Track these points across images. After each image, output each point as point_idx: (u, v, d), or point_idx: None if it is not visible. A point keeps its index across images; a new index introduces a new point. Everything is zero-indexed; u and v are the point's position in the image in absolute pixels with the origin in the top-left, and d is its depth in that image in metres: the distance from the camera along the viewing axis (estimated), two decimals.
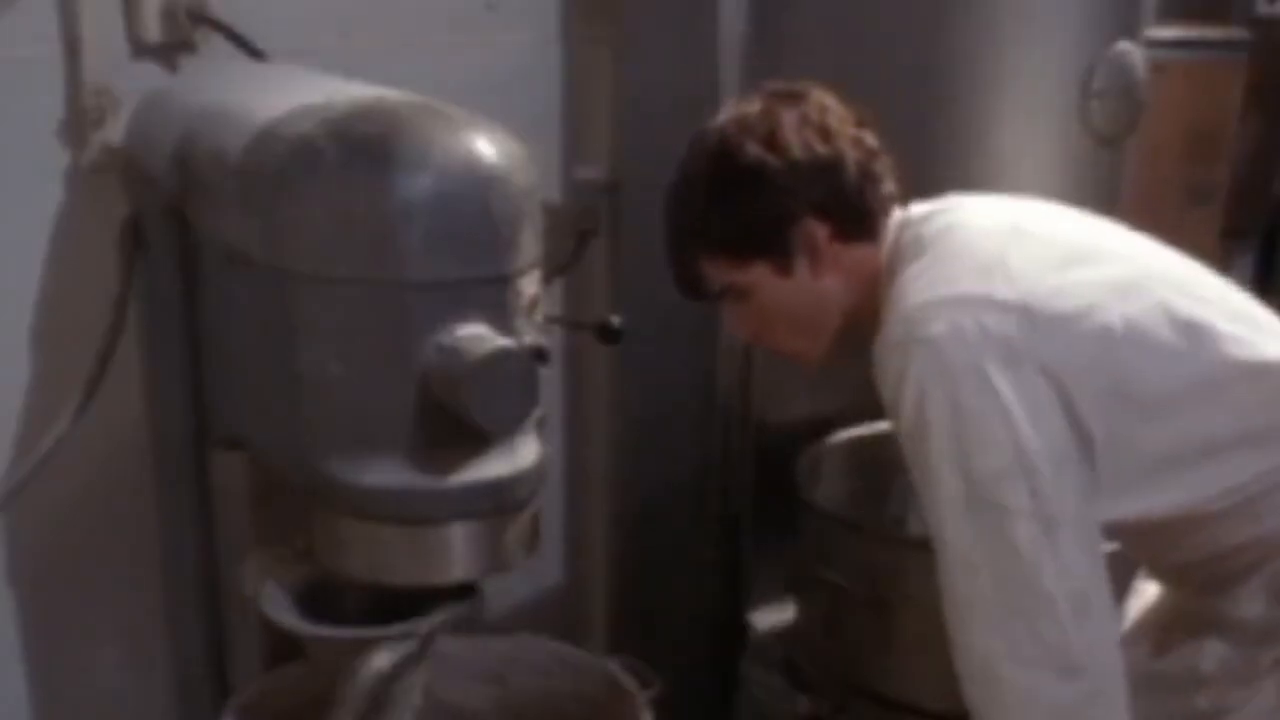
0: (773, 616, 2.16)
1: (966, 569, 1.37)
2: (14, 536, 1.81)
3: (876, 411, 2.15)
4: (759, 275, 1.54)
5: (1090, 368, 1.37)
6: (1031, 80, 2.13)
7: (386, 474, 1.26)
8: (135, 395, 1.66)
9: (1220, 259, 3.06)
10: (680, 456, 2.20)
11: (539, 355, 1.26)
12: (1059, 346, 1.36)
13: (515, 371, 1.22)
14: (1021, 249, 1.45)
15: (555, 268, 1.89)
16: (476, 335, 1.23)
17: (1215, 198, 3.38)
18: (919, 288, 1.43)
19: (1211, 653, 1.50)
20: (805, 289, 1.54)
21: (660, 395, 2.18)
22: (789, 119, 1.52)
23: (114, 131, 1.72)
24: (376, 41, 1.92)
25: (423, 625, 1.33)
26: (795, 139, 1.51)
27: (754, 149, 1.50)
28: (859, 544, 1.85)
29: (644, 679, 1.60)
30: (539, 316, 1.33)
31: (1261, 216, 3.68)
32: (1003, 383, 1.33)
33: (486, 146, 1.26)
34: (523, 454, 1.30)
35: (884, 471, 2.03)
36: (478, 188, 1.24)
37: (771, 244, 1.52)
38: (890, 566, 1.79)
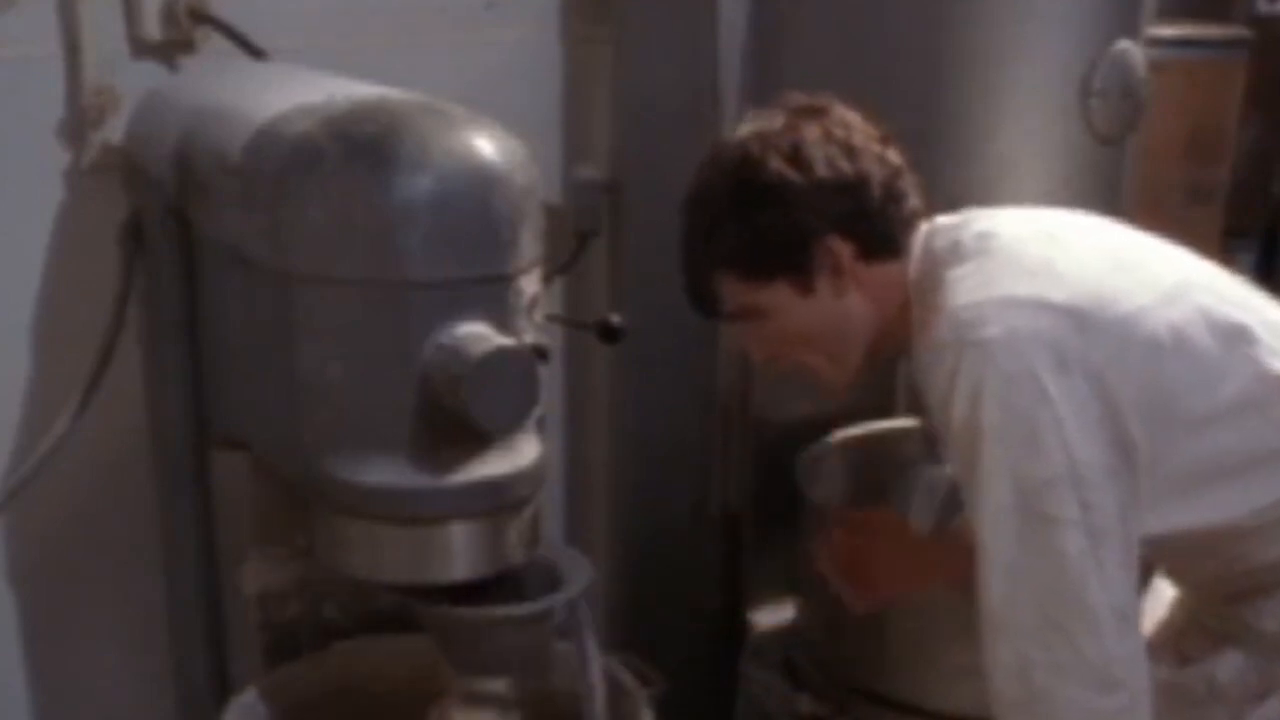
0: (773, 616, 2.16)
1: (1010, 578, 1.34)
2: (14, 536, 1.82)
3: (876, 411, 2.17)
4: (778, 295, 1.50)
5: (1137, 376, 1.35)
6: (1031, 80, 2.13)
7: (386, 473, 1.26)
8: (135, 395, 1.66)
9: (1221, 258, 3.06)
10: (680, 456, 2.20)
11: (539, 354, 1.26)
12: (1109, 353, 1.34)
13: (515, 371, 1.22)
14: (1065, 254, 1.43)
15: (555, 268, 1.88)
16: (476, 335, 1.23)
17: (1215, 197, 3.38)
18: (967, 289, 1.40)
19: (1229, 662, 1.49)
20: (827, 309, 1.50)
21: (660, 395, 2.18)
22: (812, 134, 1.48)
23: (114, 131, 1.72)
24: (376, 41, 1.92)
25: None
26: (820, 156, 1.47)
27: (777, 165, 1.47)
28: None
29: (644, 678, 1.60)
30: (539, 316, 1.33)
31: (1262, 216, 3.69)
32: (1055, 389, 1.31)
33: (486, 146, 1.27)
34: (522, 453, 1.30)
35: (884, 471, 2.03)
36: (478, 188, 1.24)
37: (793, 263, 1.48)
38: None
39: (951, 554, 1.55)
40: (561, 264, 2.04)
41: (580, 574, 1.39)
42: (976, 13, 2.06)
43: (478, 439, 1.26)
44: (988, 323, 1.34)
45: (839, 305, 1.50)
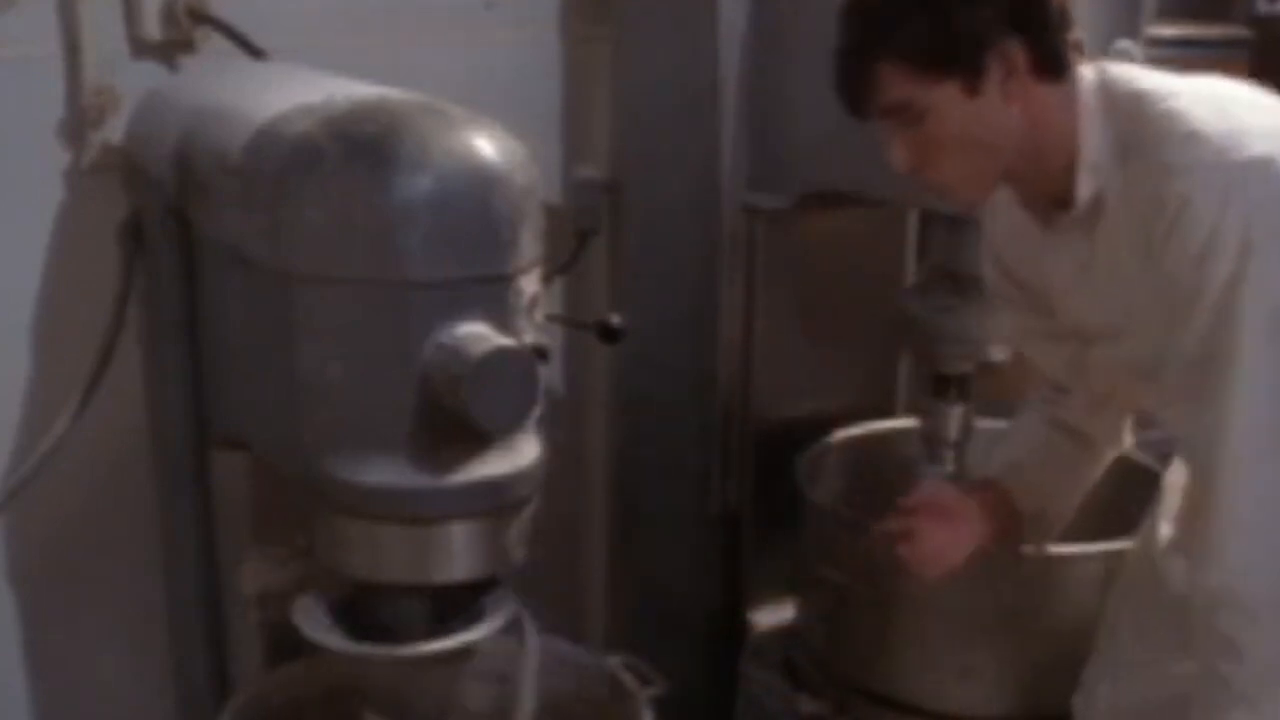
0: (773, 615, 2.16)
1: (1260, 401, 1.36)
2: (14, 536, 1.82)
3: (876, 411, 2.17)
4: (945, 95, 1.47)
5: None
6: None
7: (386, 473, 1.26)
8: (135, 395, 1.66)
9: None
10: (680, 455, 2.20)
11: (539, 354, 1.26)
12: None
13: (515, 371, 1.22)
14: (1264, 99, 1.47)
15: (555, 268, 1.88)
16: (476, 334, 1.23)
17: None
18: (1202, 114, 1.41)
19: None
20: (991, 113, 1.48)
21: (660, 394, 2.18)
22: None
23: (114, 131, 1.72)
24: (376, 40, 1.92)
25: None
26: None
27: None
28: (859, 542, 1.85)
29: (644, 678, 1.60)
30: (539, 316, 1.33)
31: None
32: None
33: (486, 146, 1.27)
34: (522, 453, 1.31)
35: (884, 471, 2.03)
36: (478, 188, 1.25)
37: (969, 61, 1.46)
38: (891, 565, 1.79)
39: (992, 513, 1.69)
40: (561, 264, 2.04)
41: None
42: None
43: (478, 439, 1.26)
44: (1248, 146, 1.37)
45: (1000, 115, 1.48)
